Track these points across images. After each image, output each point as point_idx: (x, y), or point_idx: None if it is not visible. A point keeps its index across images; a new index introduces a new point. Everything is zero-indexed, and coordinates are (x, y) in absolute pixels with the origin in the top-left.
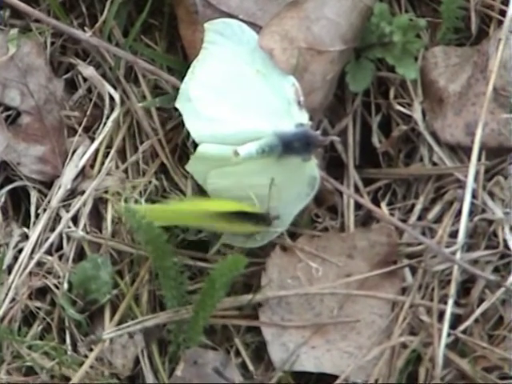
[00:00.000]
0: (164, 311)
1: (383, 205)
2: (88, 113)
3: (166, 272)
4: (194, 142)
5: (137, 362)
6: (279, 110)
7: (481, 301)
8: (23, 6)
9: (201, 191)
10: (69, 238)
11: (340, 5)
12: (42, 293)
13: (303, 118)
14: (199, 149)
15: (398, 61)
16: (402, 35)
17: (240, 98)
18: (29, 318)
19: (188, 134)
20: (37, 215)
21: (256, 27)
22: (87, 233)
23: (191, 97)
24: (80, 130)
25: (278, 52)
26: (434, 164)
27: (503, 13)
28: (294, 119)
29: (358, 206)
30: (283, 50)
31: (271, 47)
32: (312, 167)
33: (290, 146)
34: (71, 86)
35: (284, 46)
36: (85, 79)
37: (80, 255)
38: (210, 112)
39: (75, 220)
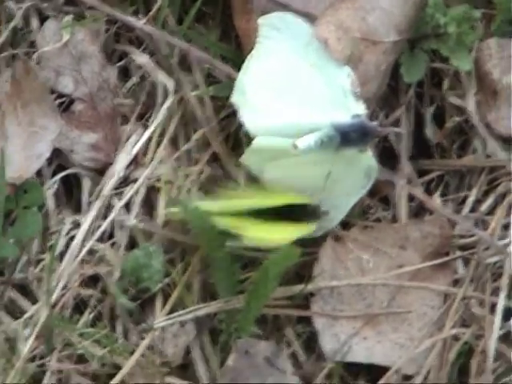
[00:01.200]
0: (215, 300)
1: (436, 196)
2: (141, 101)
3: (218, 262)
4: (247, 132)
5: (188, 351)
6: (335, 101)
7: None
8: None
9: (254, 180)
10: (121, 227)
11: None
12: (93, 281)
13: (360, 108)
14: (255, 142)
15: (453, 52)
16: (456, 26)
17: (295, 91)
18: (80, 306)
19: (241, 122)
20: (89, 203)
21: (311, 16)
22: (139, 221)
23: (246, 91)
24: (133, 118)
25: (332, 42)
26: (488, 156)
27: None
28: (351, 110)
29: (411, 198)
30: (338, 40)
31: (326, 37)
32: (369, 158)
33: (347, 137)
34: (124, 73)
35: (339, 35)
36: (138, 67)
37: (132, 244)
38: (265, 105)
39: (127, 208)
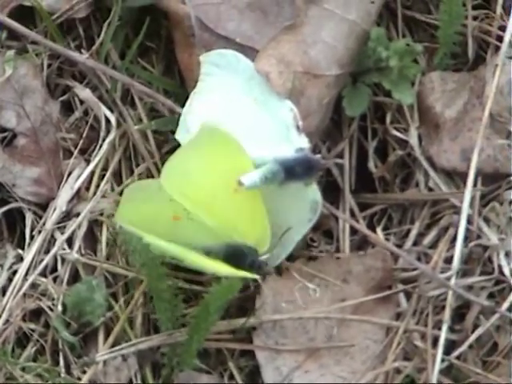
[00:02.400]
0: (158, 334)
1: (379, 230)
2: (84, 135)
3: (161, 294)
4: None
5: None
6: (278, 135)
7: (475, 327)
8: (20, 28)
9: None
10: (63, 260)
11: (337, 29)
12: (35, 315)
13: (303, 142)
14: None
15: (395, 86)
16: (398, 60)
17: (239, 128)
18: (22, 340)
19: None
20: (31, 237)
21: (253, 51)
22: (82, 255)
23: (189, 128)
24: (76, 152)
25: (274, 76)
26: (430, 189)
27: (500, 38)
28: (294, 144)
29: (354, 231)
30: (279, 74)
31: (267, 71)
32: (314, 191)
33: (291, 171)
34: (67, 108)
35: (280, 69)
36: (81, 101)
37: (74, 277)
38: None
39: (70, 242)
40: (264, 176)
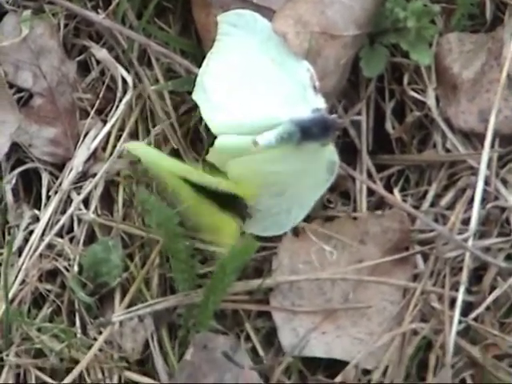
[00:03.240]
0: (174, 294)
1: (396, 191)
2: (100, 95)
3: (177, 255)
4: (207, 128)
5: (146, 345)
6: (295, 96)
7: (492, 288)
8: None
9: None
10: (80, 221)
11: None
12: (52, 275)
13: (319, 102)
14: (217, 141)
15: (412, 47)
16: (416, 21)
17: (255, 88)
18: (39, 301)
19: (201, 118)
20: (48, 197)
21: (270, 11)
22: (98, 216)
23: (206, 88)
24: (92, 113)
25: (291, 36)
26: (448, 151)
27: None
28: (311, 104)
29: (371, 192)
30: (297, 34)
31: (285, 31)
32: (331, 152)
33: (307, 131)
34: (84, 68)
35: (297, 29)
36: (98, 62)
37: (91, 238)
38: (225, 103)
39: (86, 203)
40: (280, 136)
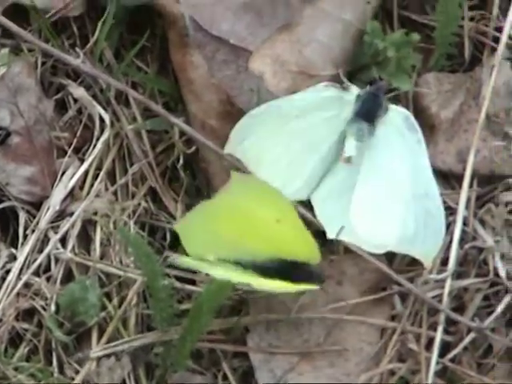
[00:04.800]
0: (152, 332)
1: None
2: (78, 134)
3: (157, 293)
4: (185, 165)
5: None
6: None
7: (470, 329)
8: (14, 27)
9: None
10: (57, 260)
11: (332, 29)
12: (29, 314)
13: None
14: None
15: (393, 76)
16: (395, 51)
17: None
18: (15, 340)
19: (178, 157)
20: (25, 236)
21: (247, 52)
22: (75, 254)
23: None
24: (70, 151)
25: (268, 75)
26: None
27: (497, 39)
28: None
29: None
30: (274, 74)
31: (262, 70)
32: (396, 110)
33: (368, 110)
34: (61, 106)
35: (275, 69)
36: (75, 100)
37: (68, 277)
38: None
39: (63, 241)
40: (355, 135)
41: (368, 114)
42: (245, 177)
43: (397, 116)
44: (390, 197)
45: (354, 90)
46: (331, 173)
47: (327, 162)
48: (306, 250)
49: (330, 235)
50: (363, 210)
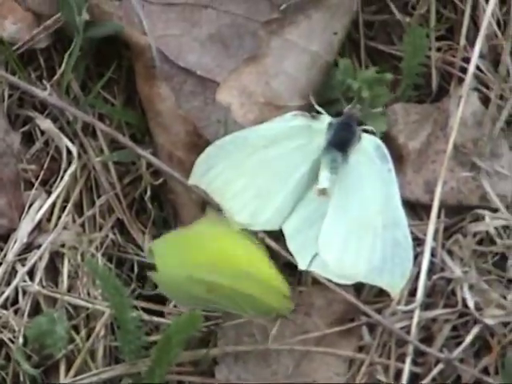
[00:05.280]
0: (120, 364)
1: None
2: (45, 166)
3: (125, 325)
4: (152, 197)
5: None
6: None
7: (438, 360)
8: None
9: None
10: (24, 292)
11: (299, 60)
12: None
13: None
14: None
15: (368, 118)
16: (368, 89)
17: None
18: None
19: (146, 188)
20: None
21: (214, 83)
22: (43, 287)
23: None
24: (37, 184)
25: (236, 106)
26: None
27: (464, 70)
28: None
29: None
30: (241, 105)
31: (229, 102)
32: (369, 139)
33: (341, 140)
34: (28, 139)
35: (242, 100)
36: (42, 132)
37: (35, 309)
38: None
39: (31, 274)
40: (329, 167)
41: (341, 143)
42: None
43: (369, 145)
44: (360, 226)
45: (326, 119)
46: (303, 202)
47: (298, 191)
48: (278, 301)
49: (301, 266)
50: (332, 240)
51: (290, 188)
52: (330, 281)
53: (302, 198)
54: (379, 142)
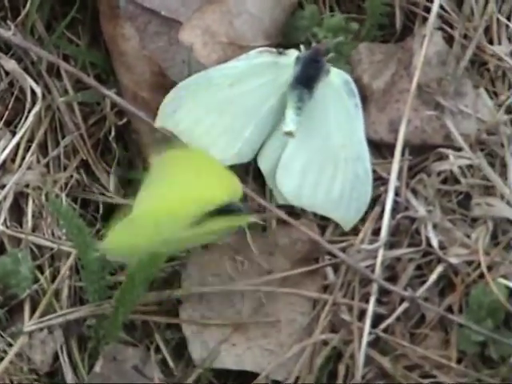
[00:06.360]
0: (85, 305)
1: None
2: (9, 107)
3: (89, 265)
4: (116, 137)
5: (56, 357)
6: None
7: (403, 298)
8: None
9: (123, 187)
10: None
11: (263, 0)
12: None
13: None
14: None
15: (330, 63)
16: (333, 37)
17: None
18: None
19: (110, 129)
20: None
21: (178, 24)
22: (7, 227)
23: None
24: (1, 124)
25: (198, 46)
26: None
27: (428, 9)
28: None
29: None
30: (204, 45)
31: (192, 41)
32: (337, 73)
33: (306, 77)
34: None
35: (205, 40)
36: (7, 73)
37: (0, 250)
38: None
39: None
40: (295, 105)
41: (308, 78)
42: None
43: (337, 79)
44: (322, 157)
45: (293, 53)
46: (274, 134)
47: (268, 124)
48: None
49: (280, 201)
50: (292, 167)
51: (259, 121)
52: (293, 220)
53: (274, 131)
54: (348, 77)
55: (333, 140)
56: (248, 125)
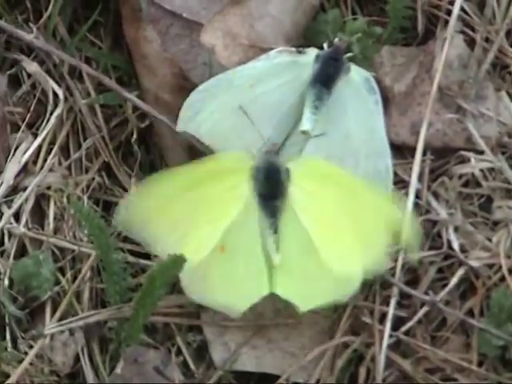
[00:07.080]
0: (105, 308)
1: None
2: (31, 109)
3: (110, 267)
4: (138, 140)
5: (77, 359)
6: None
7: (424, 302)
8: None
9: None
10: (10, 235)
11: (284, 3)
12: None
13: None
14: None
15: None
16: (358, 42)
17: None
18: None
19: (132, 131)
20: None
21: (199, 26)
22: (29, 229)
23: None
24: (23, 126)
25: (219, 48)
26: None
27: (450, 12)
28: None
29: None
30: (225, 47)
31: (213, 43)
32: (357, 71)
33: (325, 76)
34: (15, 81)
35: (226, 42)
36: (29, 75)
37: (21, 252)
38: None
39: (17, 216)
40: (312, 104)
41: (328, 77)
42: None
43: (357, 76)
44: (342, 155)
45: (313, 52)
46: (295, 133)
47: (289, 123)
48: None
49: None
50: None
51: (279, 120)
52: None
53: (295, 128)
54: (368, 75)
55: (353, 137)
56: (269, 124)
